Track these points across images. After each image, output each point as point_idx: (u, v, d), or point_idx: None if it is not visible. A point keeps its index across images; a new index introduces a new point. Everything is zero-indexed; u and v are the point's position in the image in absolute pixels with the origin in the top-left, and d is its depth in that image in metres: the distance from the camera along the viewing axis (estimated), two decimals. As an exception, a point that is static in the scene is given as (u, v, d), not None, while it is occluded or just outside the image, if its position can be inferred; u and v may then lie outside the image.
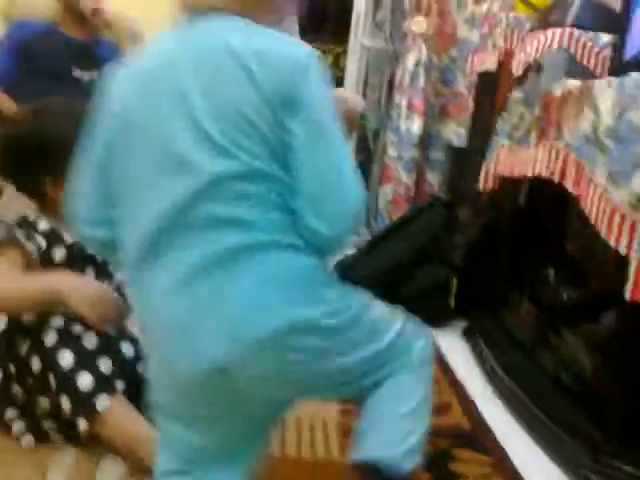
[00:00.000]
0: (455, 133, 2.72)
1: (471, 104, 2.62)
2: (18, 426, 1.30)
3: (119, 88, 0.93)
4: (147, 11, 2.72)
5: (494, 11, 2.46)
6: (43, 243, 1.33)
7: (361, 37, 3.36)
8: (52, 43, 2.47)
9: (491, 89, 2.32)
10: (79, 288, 1.20)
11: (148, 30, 2.70)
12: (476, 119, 2.41)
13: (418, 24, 2.97)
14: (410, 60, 2.91)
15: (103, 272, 1.43)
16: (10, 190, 1.89)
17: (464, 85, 2.77)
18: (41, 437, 1.29)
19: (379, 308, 0.97)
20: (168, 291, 0.86)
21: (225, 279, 0.84)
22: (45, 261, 1.33)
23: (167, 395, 0.93)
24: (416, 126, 2.80)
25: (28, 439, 1.29)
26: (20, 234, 1.32)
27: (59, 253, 1.35)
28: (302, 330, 0.84)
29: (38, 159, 1.34)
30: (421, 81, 2.84)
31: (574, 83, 1.48)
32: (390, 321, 0.97)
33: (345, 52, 3.51)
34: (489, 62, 2.26)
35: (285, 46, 0.90)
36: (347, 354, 0.90)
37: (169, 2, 2.95)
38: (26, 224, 1.36)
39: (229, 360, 0.83)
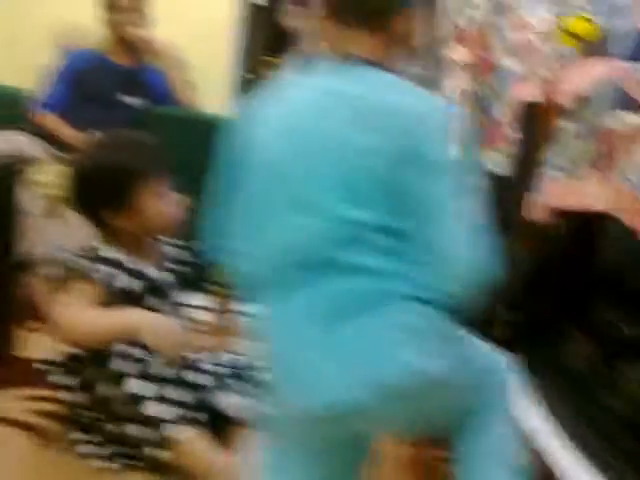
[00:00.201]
0: (496, 162, 2.74)
1: (512, 133, 2.64)
2: (89, 449, 1.32)
3: (259, 129, 0.98)
4: (192, 40, 2.79)
5: (535, 41, 2.49)
6: (111, 273, 1.36)
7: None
8: (102, 70, 2.54)
9: (534, 119, 2.33)
10: (156, 326, 1.23)
11: (193, 59, 2.76)
12: (518, 149, 2.42)
13: (458, 52, 3.01)
14: (450, 88, 2.94)
15: (168, 302, 1.46)
16: (71, 217, 1.94)
17: (504, 114, 2.79)
18: (113, 461, 1.31)
19: (477, 345, 1.00)
20: (292, 329, 0.89)
21: (349, 324, 0.87)
22: (113, 292, 1.35)
23: (283, 427, 0.95)
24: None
25: (99, 462, 1.31)
26: (89, 265, 1.35)
27: (127, 283, 1.38)
28: (421, 378, 0.87)
29: (108, 191, 1.38)
30: (462, 109, 2.86)
31: (631, 117, 1.50)
32: (486, 358, 1.00)
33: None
34: (532, 92, 2.28)
35: (416, 100, 0.93)
36: (455, 396, 0.93)
37: (213, 32, 3.02)
38: (94, 255, 1.38)
39: (349, 400, 0.86)
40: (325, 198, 0.88)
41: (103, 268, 1.36)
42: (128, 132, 1.56)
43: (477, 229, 0.90)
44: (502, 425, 0.99)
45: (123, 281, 1.38)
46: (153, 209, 1.41)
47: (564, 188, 1.76)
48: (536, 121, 2.31)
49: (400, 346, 0.86)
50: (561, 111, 1.96)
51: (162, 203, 1.43)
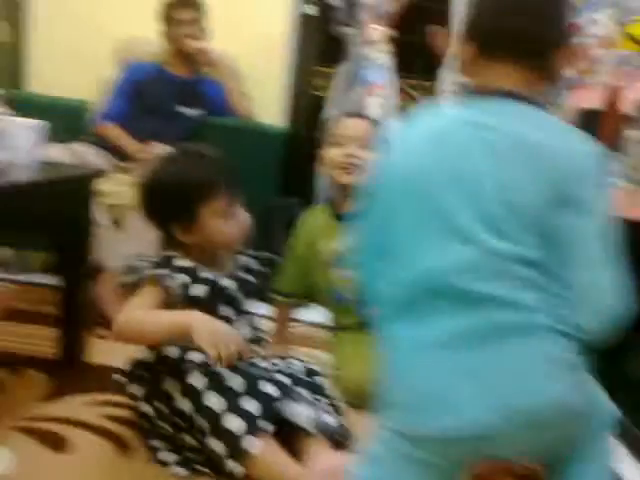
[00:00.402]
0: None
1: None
2: (165, 456, 1.35)
3: (402, 153, 1.00)
4: (247, 51, 2.83)
5: (591, 47, 2.45)
6: (184, 282, 1.38)
7: (454, 74, 3.37)
8: (160, 82, 2.60)
9: (594, 126, 2.29)
10: (204, 325, 1.24)
11: (248, 69, 2.81)
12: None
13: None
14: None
15: (239, 311, 1.48)
16: (135, 226, 1.99)
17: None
18: (187, 468, 1.33)
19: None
20: (428, 351, 0.90)
21: (491, 352, 0.88)
22: (184, 298, 1.38)
23: (396, 445, 0.95)
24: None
25: (176, 469, 1.33)
26: (162, 273, 1.38)
27: (198, 291, 1.40)
28: (556, 407, 0.89)
29: (176, 207, 1.41)
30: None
31: None
32: (597, 387, 1.02)
33: (432, 88, 3.51)
34: (591, 99, 2.25)
35: (572, 141, 0.94)
36: (581, 426, 0.96)
37: (267, 44, 3.05)
38: (167, 263, 1.41)
39: (485, 426, 0.87)
40: (471, 228, 0.89)
41: (176, 276, 1.38)
42: (198, 146, 1.57)
43: (618, 269, 0.91)
44: (607, 451, 1.00)
45: (194, 289, 1.41)
46: (217, 228, 1.43)
47: (630, 197, 1.74)
48: (597, 128, 2.28)
49: (537, 375, 0.88)
50: (625, 119, 1.94)
51: (227, 222, 1.44)
